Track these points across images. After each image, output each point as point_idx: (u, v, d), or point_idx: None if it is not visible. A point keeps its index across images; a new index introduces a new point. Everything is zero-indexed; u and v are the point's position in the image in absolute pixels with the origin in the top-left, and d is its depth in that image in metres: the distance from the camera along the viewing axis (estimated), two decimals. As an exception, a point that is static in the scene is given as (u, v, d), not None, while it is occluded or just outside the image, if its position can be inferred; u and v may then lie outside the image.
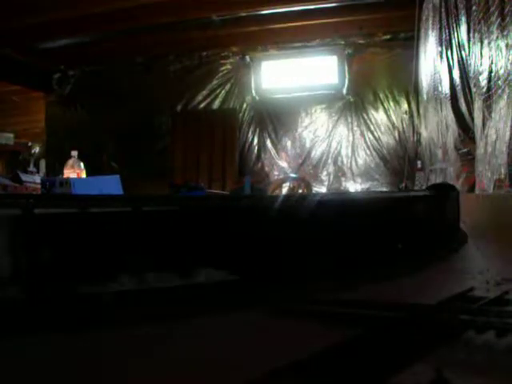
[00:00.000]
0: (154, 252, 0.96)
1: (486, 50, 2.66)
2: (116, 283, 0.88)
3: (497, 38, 2.41)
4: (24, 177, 4.49)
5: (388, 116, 6.32)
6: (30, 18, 5.36)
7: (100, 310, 0.85)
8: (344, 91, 6.55)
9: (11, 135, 9.93)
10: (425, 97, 5.00)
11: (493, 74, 2.55)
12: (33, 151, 10.45)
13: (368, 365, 0.57)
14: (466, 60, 3.21)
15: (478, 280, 1.12)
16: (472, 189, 3.18)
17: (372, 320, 0.75)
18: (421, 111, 5.61)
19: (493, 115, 2.54)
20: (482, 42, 2.72)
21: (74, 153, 3.72)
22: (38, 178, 4.56)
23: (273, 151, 6.78)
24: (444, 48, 3.79)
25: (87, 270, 0.88)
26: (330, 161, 6.53)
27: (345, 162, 6.48)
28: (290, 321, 0.81)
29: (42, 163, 8.28)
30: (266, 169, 6.79)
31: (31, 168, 8.63)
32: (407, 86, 5.84)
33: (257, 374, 0.53)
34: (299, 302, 0.89)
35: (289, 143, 6.74)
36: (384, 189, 6.20)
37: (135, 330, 0.77)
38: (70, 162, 3.70)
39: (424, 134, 5.44)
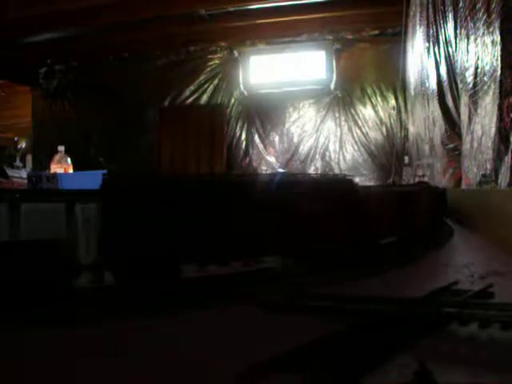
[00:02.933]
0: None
1: (472, 47, 2.68)
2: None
3: (483, 34, 2.43)
4: (10, 172, 4.45)
5: (376, 111, 6.34)
6: (15, 12, 5.29)
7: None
8: (332, 86, 6.56)
9: (-3, 130, 9.83)
10: (412, 92, 5.03)
11: (479, 70, 2.56)
12: (19, 146, 10.35)
13: (353, 357, 0.58)
14: (453, 56, 3.23)
15: (462, 273, 1.14)
16: (458, 184, 3.21)
17: (358, 313, 0.76)
18: (408, 107, 5.64)
19: (479, 111, 2.56)
20: (468, 39, 2.74)
21: (61, 148, 3.69)
22: (24, 173, 4.52)
23: (261, 146, 6.78)
24: (431, 44, 3.81)
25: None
26: (317, 156, 6.55)
27: (332, 157, 6.50)
28: (279, 315, 0.82)
29: (29, 158, 8.19)
30: (254, 164, 6.78)
31: (17, 163, 8.54)
32: (395, 81, 5.87)
33: (244, 367, 0.53)
34: (287, 296, 0.90)
35: (277, 138, 6.75)
36: (372, 184, 6.23)
37: (130, 322, 0.77)
38: (57, 157, 3.67)
39: (411, 129, 5.47)
